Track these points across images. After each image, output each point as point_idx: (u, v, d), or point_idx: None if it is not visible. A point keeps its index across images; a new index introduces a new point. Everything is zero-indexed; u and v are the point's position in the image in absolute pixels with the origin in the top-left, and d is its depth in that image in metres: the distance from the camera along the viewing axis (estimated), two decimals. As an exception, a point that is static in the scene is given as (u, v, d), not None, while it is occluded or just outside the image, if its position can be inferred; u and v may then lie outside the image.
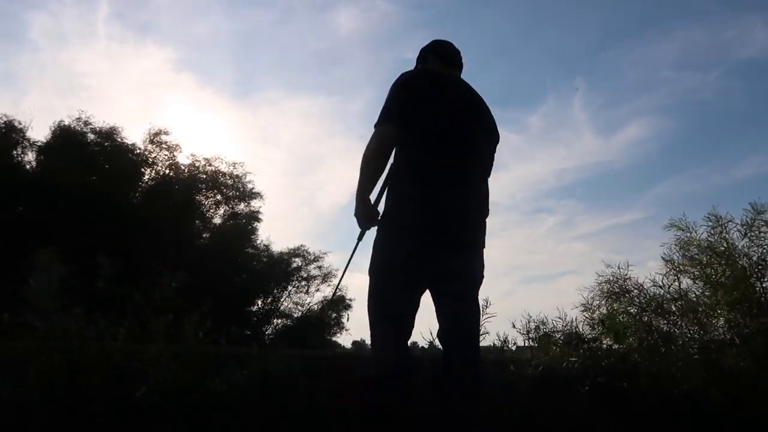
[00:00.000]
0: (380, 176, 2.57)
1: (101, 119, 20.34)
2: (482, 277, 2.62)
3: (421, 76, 2.68)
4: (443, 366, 2.48)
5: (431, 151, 2.51)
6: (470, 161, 2.59)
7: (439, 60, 2.84)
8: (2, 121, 18.02)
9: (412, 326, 2.53)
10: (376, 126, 2.55)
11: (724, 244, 3.66)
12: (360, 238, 2.70)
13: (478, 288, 2.61)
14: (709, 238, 3.73)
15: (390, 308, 2.50)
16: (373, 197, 2.60)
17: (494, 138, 2.82)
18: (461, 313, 2.52)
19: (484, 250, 2.65)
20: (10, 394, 2.30)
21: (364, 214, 2.56)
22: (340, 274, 2.59)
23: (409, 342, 2.53)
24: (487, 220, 2.68)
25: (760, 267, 3.55)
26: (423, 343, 3.55)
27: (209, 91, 47.99)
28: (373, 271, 2.55)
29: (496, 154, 2.85)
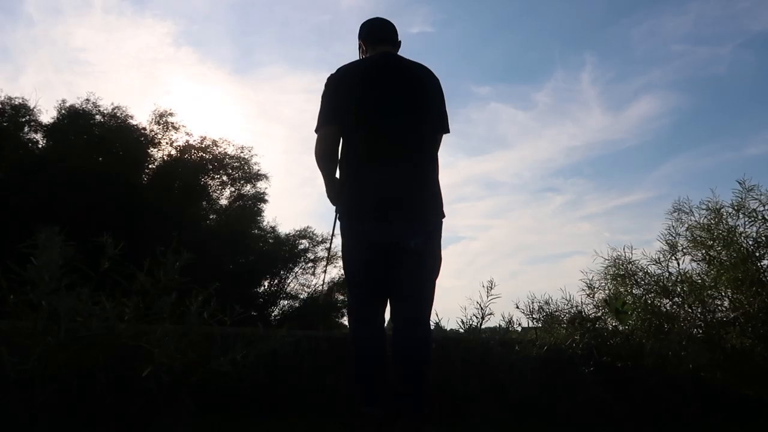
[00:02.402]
0: (336, 166, 2.80)
1: (107, 99, 20.31)
2: (433, 253, 2.69)
3: (343, 72, 2.80)
4: (392, 348, 2.59)
5: (362, 139, 2.69)
6: (408, 137, 2.69)
7: (369, 42, 2.93)
8: (14, 101, 18.12)
9: (385, 302, 2.69)
10: (316, 131, 2.77)
11: (723, 227, 3.66)
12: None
13: (428, 263, 2.67)
14: (710, 222, 3.73)
15: (357, 288, 2.72)
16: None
17: (438, 101, 2.86)
18: (405, 291, 2.63)
19: (437, 221, 2.73)
20: (16, 374, 2.32)
21: (335, 196, 2.83)
22: (329, 244, 2.87)
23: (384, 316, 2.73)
24: (437, 199, 2.75)
25: (758, 245, 3.55)
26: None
27: (209, 65, 47.34)
28: (342, 253, 2.76)
29: (448, 131, 2.91)
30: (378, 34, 2.92)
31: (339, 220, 2.77)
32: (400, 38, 2.97)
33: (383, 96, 2.71)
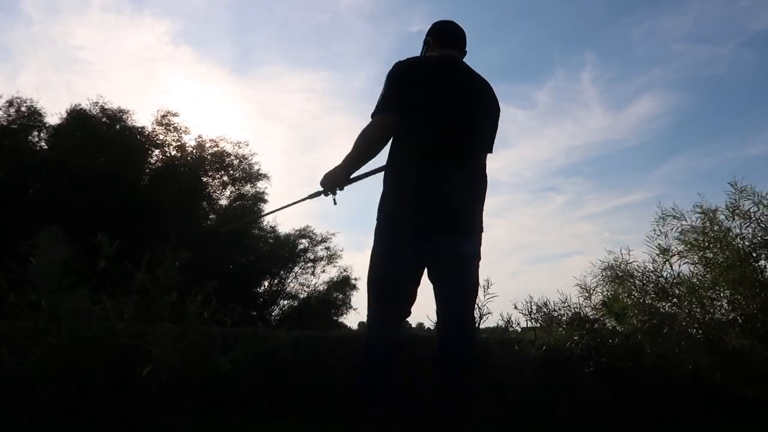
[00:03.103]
0: (369, 160, 2.68)
1: (109, 99, 20.38)
2: (479, 260, 2.66)
3: (414, 64, 2.70)
4: (437, 349, 2.55)
5: (428, 137, 2.55)
6: (467, 146, 2.62)
7: (438, 41, 2.83)
8: (24, 105, 18.26)
9: (410, 308, 2.62)
10: (373, 115, 2.62)
11: (716, 228, 3.65)
12: (311, 197, 2.82)
13: (476, 272, 2.65)
14: (704, 224, 3.72)
15: (387, 290, 2.59)
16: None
17: (494, 119, 2.82)
18: (456, 297, 2.58)
19: (482, 233, 2.69)
20: (16, 374, 2.32)
21: (337, 183, 2.70)
22: (276, 209, 2.79)
23: (405, 321, 2.68)
24: (485, 203, 2.70)
25: (755, 246, 3.54)
26: (429, 324, 3.57)
27: (209, 64, 47.23)
28: (374, 253, 2.63)
29: (497, 133, 2.86)
30: (450, 37, 2.82)
31: (380, 221, 2.62)
32: (466, 49, 2.88)
33: (448, 99, 2.60)
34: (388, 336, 2.57)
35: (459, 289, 2.58)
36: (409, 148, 2.59)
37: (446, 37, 2.83)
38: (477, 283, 2.66)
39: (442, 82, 2.64)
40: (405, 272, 2.57)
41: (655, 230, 3.86)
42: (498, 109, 2.82)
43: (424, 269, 2.60)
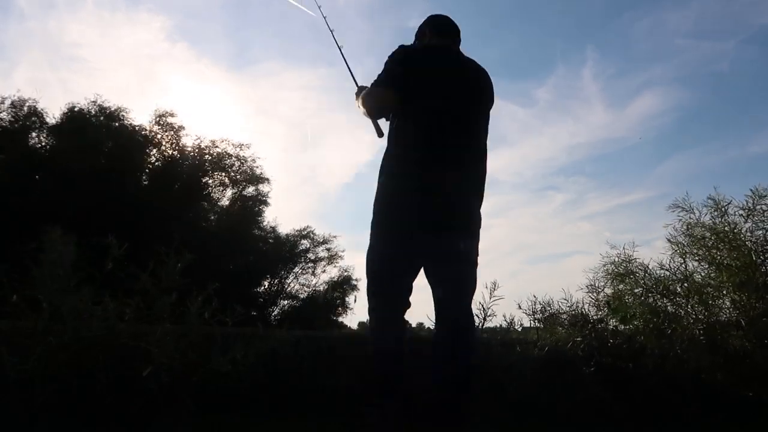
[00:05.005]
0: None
1: (107, 98, 20.37)
2: (476, 258, 2.62)
3: (421, 51, 2.73)
4: (435, 350, 2.51)
5: (425, 130, 2.54)
6: (464, 143, 2.60)
7: (436, 32, 2.84)
8: (26, 105, 18.30)
9: (407, 298, 2.63)
10: (374, 85, 2.62)
11: (727, 227, 3.60)
12: None
13: (472, 272, 2.60)
14: (714, 220, 3.67)
15: (382, 283, 2.61)
16: None
17: (484, 114, 2.76)
18: (451, 298, 2.54)
19: (480, 231, 2.65)
20: (16, 374, 2.32)
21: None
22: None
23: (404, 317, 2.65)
24: (483, 201, 2.68)
25: (764, 248, 3.51)
26: (429, 324, 3.57)
27: (206, 62, 46.94)
28: (370, 246, 2.64)
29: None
30: (446, 27, 2.86)
31: (376, 215, 2.63)
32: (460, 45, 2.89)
33: (447, 95, 2.59)
34: (391, 336, 2.58)
35: (456, 289, 2.54)
36: (405, 145, 2.58)
37: (443, 27, 2.85)
38: (474, 283, 2.61)
39: (443, 75, 2.64)
40: (398, 267, 2.59)
41: (671, 225, 3.81)
42: (492, 101, 2.78)
43: (418, 265, 2.59)
